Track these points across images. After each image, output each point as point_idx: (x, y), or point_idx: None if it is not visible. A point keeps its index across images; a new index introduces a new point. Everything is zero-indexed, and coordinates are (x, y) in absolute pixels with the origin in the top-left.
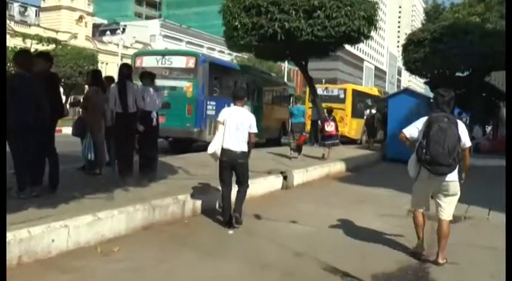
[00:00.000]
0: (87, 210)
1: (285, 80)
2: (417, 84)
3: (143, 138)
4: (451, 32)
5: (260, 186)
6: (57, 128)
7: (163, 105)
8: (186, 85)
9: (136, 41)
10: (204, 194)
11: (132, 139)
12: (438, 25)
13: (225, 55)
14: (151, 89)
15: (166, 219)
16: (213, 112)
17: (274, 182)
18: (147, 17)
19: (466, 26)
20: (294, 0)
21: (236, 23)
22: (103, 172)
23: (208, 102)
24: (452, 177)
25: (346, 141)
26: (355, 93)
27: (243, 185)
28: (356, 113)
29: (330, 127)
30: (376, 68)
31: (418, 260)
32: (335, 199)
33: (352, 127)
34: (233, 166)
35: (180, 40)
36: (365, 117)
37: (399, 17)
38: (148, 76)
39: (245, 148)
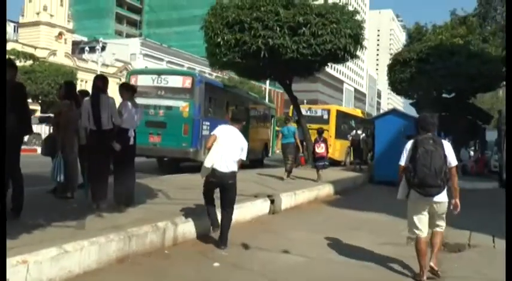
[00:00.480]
0: (52, 241)
1: (266, 101)
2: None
3: (119, 159)
4: (437, 53)
5: (247, 210)
6: (33, 148)
7: (158, 124)
8: (182, 105)
9: (116, 60)
10: (186, 221)
11: (107, 159)
12: (424, 45)
13: (205, 75)
14: (129, 104)
15: (144, 249)
16: (207, 132)
17: (261, 207)
18: (128, 36)
19: (451, 47)
20: (278, 17)
21: (219, 40)
22: (75, 196)
23: (203, 123)
24: (442, 198)
25: (330, 162)
26: (339, 114)
27: (227, 210)
28: (340, 134)
29: (320, 149)
30: (356, 90)
31: None
32: (327, 226)
33: (336, 148)
34: (221, 187)
35: (161, 59)
36: (350, 138)
37: (378, 40)
38: (127, 89)
39: (235, 168)
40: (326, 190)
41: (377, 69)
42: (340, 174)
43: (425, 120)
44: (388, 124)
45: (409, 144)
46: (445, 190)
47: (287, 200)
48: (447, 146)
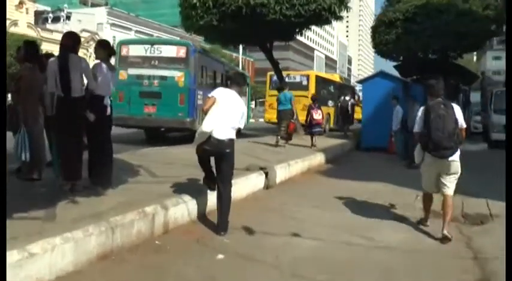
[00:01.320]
0: (14, 240)
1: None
2: (367, 73)
3: (94, 132)
4: (424, 12)
5: (241, 187)
6: None
7: (152, 94)
8: (177, 75)
9: (83, 30)
10: (177, 203)
11: (80, 132)
12: (411, 5)
13: None
14: (104, 66)
15: (130, 242)
16: (202, 102)
17: (256, 181)
18: (93, 5)
19: (439, 5)
20: None
21: (195, 1)
22: (42, 177)
23: (198, 92)
24: (455, 157)
25: None
26: (319, 79)
27: (225, 185)
28: (320, 100)
29: (318, 115)
30: (327, 57)
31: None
32: (329, 200)
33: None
34: (218, 157)
35: (129, 29)
36: (339, 104)
37: None
38: (104, 47)
39: (233, 135)
40: (318, 159)
41: (347, 36)
42: (327, 141)
43: (434, 87)
44: (376, 87)
45: (421, 111)
46: (458, 151)
47: (281, 173)
48: (457, 109)
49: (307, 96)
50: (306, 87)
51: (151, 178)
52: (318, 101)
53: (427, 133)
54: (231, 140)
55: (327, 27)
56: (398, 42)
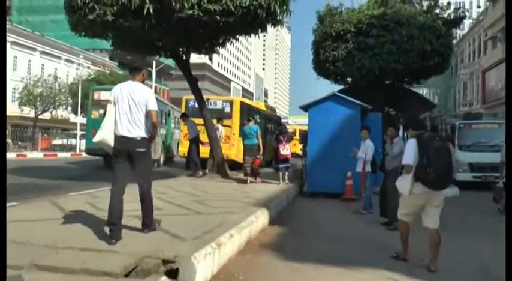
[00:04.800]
0: None
1: None
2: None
3: None
4: (381, 23)
5: None
6: None
7: None
8: None
9: None
10: None
11: None
12: (365, 14)
13: (84, 68)
14: None
15: None
16: None
17: None
18: None
19: (401, 16)
20: None
21: None
22: None
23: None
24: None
25: (233, 166)
26: (244, 107)
27: (145, 180)
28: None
29: (285, 150)
30: (244, 89)
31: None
32: None
33: (240, 148)
34: (130, 157)
35: (34, 49)
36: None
37: (264, 41)
38: None
39: (144, 133)
40: (260, 220)
41: (264, 69)
42: (263, 186)
43: (420, 121)
44: (327, 114)
45: (413, 143)
46: None
47: (206, 266)
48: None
49: (230, 126)
50: (228, 115)
51: None
52: (286, 134)
53: (427, 165)
54: (143, 139)
55: (243, 58)
56: (349, 59)
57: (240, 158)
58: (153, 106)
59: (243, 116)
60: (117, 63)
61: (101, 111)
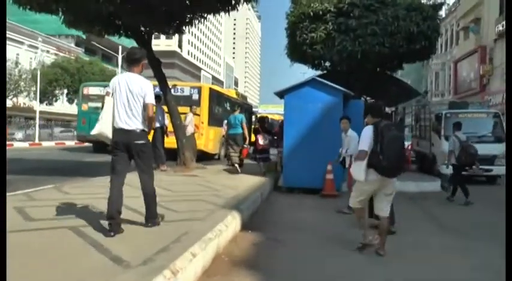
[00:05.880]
0: None
1: None
2: (254, 96)
3: None
4: (364, 3)
5: None
6: None
7: None
8: None
9: None
10: None
11: None
12: None
13: (50, 55)
14: None
15: None
16: None
17: None
18: None
19: None
20: None
21: None
22: None
23: None
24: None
25: (202, 157)
26: (213, 94)
27: (145, 172)
28: (214, 120)
29: (263, 140)
30: (214, 77)
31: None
32: None
33: (209, 138)
34: (129, 150)
35: None
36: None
37: (234, 29)
38: None
39: (142, 125)
40: (232, 226)
41: (234, 58)
42: (235, 180)
43: (380, 109)
44: (305, 101)
45: (369, 130)
46: None
47: None
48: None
49: (198, 114)
50: (197, 103)
51: None
52: (266, 122)
53: (380, 152)
54: (143, 131)
55: (213, 47)
56: (329, 41)
57: (209, 149)
58: (151, 99)
59: (213, 104)
60: (83, 50)
61: (90, 104)
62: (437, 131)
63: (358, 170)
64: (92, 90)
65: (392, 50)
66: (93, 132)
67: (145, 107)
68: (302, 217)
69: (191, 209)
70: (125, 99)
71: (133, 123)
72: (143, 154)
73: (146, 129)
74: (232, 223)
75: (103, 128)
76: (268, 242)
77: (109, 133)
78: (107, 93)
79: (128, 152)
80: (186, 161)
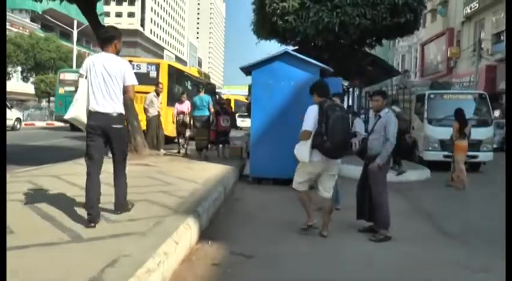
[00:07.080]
0: None
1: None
2: (217, 77)
3: None
4: None
5: None
6: None
7: None
8: None
9: None
10: None
11: None
12: None
13: None
14: None
15: None
16: None
17: None
18: None
19: None
20: None
21: None
22: None
23: None
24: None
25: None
26: (172, 71)
27: (119, 159)
28: (174, 100)
29: (225, 122)
30: (177, 57)
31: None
32: None
33: (169, 120)
34: (106, 134)
35: None
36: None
37: (198, 9)
38: None
39: (120, 109)
40: (185, 240)
41: (198, 38)
42: (194, 170)
43: (325, 88)
44: (276, 77)
45: (314, 109)
46: None
47: None
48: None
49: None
50: (155, 81)
51: None
52: (226, 104)
53: (325, 133)
54: (119, 115)
55: (177, 26)
56: (302, 11)
57: (168, 132)
58: (133, 80)
59: (172, 82)
60: (39, 25)
61: (66, 88)
62: (420, 113)
63: (302, 151)
64: (68, 75)
65: (374, 22)
66: (67, 116)
67: (126, 89)
68: (274, 217)
69: (133, 218)
70: (102, 81)
71: (111, 106)
72: (119, 138)
73: (123, 113)
74: (186, 235)
75: (78, 111)
76: (233, 259)
77: (83, 117)
78: (81, 75)
79: (104, 136)
80: (138, 146)
